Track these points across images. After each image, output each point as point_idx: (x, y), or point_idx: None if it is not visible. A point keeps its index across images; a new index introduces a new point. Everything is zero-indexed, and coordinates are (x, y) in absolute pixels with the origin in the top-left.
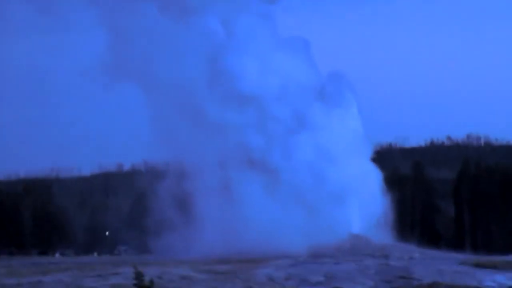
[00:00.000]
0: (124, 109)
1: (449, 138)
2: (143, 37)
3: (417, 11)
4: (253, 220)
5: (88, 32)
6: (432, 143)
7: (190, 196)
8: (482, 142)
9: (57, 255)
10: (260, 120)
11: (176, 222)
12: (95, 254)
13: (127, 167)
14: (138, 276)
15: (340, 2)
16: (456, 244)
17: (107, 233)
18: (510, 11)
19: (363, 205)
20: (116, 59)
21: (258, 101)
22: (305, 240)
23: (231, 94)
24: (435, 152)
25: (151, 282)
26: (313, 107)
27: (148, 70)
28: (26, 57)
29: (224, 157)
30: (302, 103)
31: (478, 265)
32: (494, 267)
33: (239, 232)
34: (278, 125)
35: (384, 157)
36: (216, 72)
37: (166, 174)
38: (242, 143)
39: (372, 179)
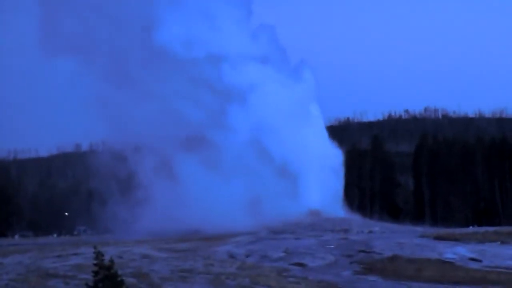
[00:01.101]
0: (72, 85)
1: (406, 111)
2: (78, 8)
3: None
4: (196, 197)
5: (27, 11)
6: (390, 117)
7: (135, 175)
8: (439, 114)
9: (16, 237)
10: (195, 89)
11: (123, 201)
12: (55, 235)
13: (85, 147)
14: (99, 256)
15: None
16: (416, 217)
17: (66, 213)
18: None
19: (321, 179)
20: (52, 33)
21: (190, 68)
22: (253, 216)
23: (165, 63)
24: (393, 126)
25: (112, 261)
26: (249, 72)
27: (84, 41)
28: None
29: (164, 134)
30: (238, 67)
31: (438, 238)
32: (455, 239)
33: (184, 210)
34: (214, 95)
35: (343, 132)
36: (149, 41)
37: (112, 154)
38: (180, 119)
39: (328, 152)
